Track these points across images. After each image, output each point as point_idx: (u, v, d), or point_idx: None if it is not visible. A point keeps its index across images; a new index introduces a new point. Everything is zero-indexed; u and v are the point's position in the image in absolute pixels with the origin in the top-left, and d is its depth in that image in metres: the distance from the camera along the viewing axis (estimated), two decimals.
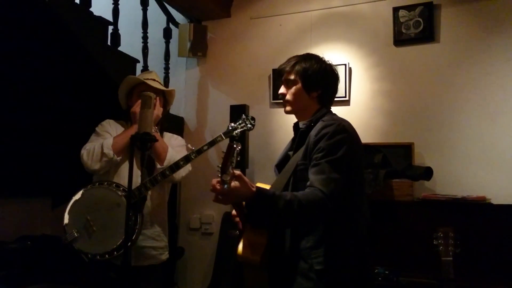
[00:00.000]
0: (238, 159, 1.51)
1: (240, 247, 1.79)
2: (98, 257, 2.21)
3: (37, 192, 3.84)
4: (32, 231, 3.69)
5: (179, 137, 2.70)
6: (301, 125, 1.94)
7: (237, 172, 1.54)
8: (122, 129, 2.51)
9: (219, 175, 1.50)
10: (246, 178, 1.57)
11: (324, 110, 1.92)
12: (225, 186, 1.47)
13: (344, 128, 1.78)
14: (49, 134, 3.42)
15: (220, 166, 1.51)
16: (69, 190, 2.36)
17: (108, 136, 2.45)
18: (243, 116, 2.42)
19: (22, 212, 3.74)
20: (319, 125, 1.81)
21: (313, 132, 1.80)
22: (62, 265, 3.19)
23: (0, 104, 3.06)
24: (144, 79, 2.50)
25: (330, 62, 1.98)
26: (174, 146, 2.53)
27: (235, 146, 1.50)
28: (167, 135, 2.62)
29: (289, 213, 1.61)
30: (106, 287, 2.33)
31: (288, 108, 1.95)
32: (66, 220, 2.27)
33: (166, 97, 2.61)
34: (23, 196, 3.74)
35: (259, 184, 1.96)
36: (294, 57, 1.97)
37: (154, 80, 2.53)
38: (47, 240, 3.59)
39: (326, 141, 1.73)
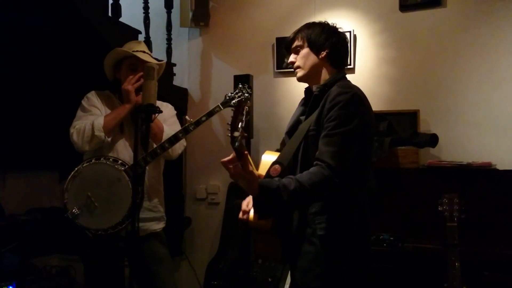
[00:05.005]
0: (248, 118, 1.50)
1: (252, 214, 1.81)
2: (101, 232, 2.23)
3: (45, 166, 3.88)
4: (41, 204, 3.75)
5: (169, 105, 2.63)
6: (314, 88, 1.87)
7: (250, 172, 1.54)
8: (108, 101, 2.46)
9: (229, 134, 1.48)
10: (254, 176, 1.58)
11: (341, 74, 1.88)
12: (236, 144, 1.45)
13: (359, 99, 1.75)
14: (53, 107, 3.42)
15: (229, 123, 1.48)
16: (76, 163, 2.38)
17: (96, 111, 2.39)
18: (239, 85, 2.40)
19: (31, 186, 3.80)
20: (334, 90, 1.76)
21: (328, 97, 1.75)
22: (71, 236, 3.25)
23: (4, 79, 3.05)
24: (133, 51, 2.39)
25: (334, 24, 1.94)
26: (166, 118, 2.49)
27: (244, 102, 1.48)
28: (158, 103, 2.58)
29: (295, 201, 1.64)
30: (115, 256, 2.38)
31: (299, 73, 1.90)
32: (66, 198, 2.27)
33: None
34: (31, 170, 3.79)
35: (268, 152, 1.96)
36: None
37: (144, 52, 2.44)
38: (56, 212, 3.65)
39: (339, 110, 1.69)
